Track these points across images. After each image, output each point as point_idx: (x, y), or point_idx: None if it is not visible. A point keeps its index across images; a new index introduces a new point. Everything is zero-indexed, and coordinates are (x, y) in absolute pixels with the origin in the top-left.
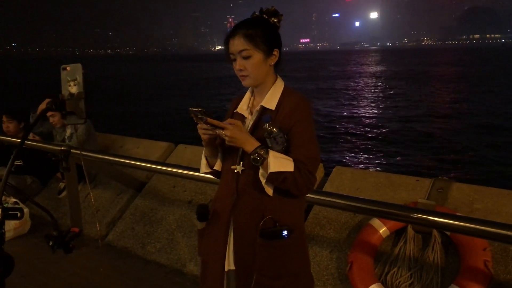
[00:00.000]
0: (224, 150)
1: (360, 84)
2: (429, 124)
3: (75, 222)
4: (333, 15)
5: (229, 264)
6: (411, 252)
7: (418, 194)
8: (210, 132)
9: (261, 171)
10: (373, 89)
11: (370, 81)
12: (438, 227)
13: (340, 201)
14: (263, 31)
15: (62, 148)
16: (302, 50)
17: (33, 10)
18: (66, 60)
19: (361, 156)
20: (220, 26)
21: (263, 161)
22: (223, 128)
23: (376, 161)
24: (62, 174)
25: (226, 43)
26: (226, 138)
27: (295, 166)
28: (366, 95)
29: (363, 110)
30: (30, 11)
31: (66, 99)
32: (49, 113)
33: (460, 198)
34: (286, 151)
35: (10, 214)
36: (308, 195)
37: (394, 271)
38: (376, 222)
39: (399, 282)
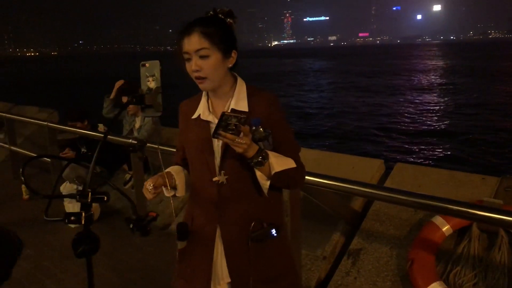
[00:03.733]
0: (192, 164)
1: (421, 80)
2: (495, 121)
3: (140, 211)
4: (394, 8)
5: (223, 277)
6: (476, 251)
7: (483, 192)
8: (228, 141)
9: (259, 173)
10: (435, 85)
11: (431, 76)
12: (506, 226)
13: (402, 196)
14: (222, 31)
15: (132, 141)
16: (360, 44)
17: (98, 10)
18: (129, 56)
19: (424, 152)
20: (277, 21)
21: (265, 163)
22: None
23: (439, 158)
24: (129, 166)
25: (180, 41)
26: (244, 147)
27: None
28: (428, 91)
29: (425, 106)
30: (95, 11)
31: (145, 93)
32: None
33: None
34: (274, 150)
35: (97, 197)
36: (369, 190)
37: (457, 270)
38: (438, 219)
39: (463, 281)
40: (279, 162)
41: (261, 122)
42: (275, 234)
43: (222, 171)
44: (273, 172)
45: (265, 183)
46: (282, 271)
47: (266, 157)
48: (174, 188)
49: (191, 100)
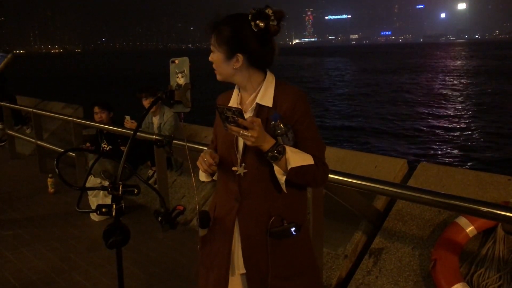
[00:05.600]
0: (220, 156)
1: (445, 79)
2: None
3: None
4: (417, 6)
5: (238, 268)
6: (501, 253)
7: (510, 194)
8: (235, 133)
9: (276, 168)
10: (460, 84)
11: (456, 76)
12: None
13: (425, 196)
14: (231, 32)
15: (157, 137)
16: (382, 43)
17: (121, 8)
18: (151, 54)
19: (449, 152)
20: (298, 19)
21: (281, 158)
22: (247, 129)
23: (464, 158)
24: (152, 162)
25: None
26: (252, 139)
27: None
28: (454, 91)
29: (450, 106)
30: (118, 8)
31: (174, 90)
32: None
33: None
34: (295, 147)
35: (128, 190)
36: (392, 188)
37: (481, 272)
38: (462, 220)
39: (487, 283)
40: (296, 158)
41: (283, 117)
42: (294, 233)
43: (243, 164)
44: (289, 167)
45: (281, 178)
46: (301, 269)
47: (282, 152)
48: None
49: (227, 93)
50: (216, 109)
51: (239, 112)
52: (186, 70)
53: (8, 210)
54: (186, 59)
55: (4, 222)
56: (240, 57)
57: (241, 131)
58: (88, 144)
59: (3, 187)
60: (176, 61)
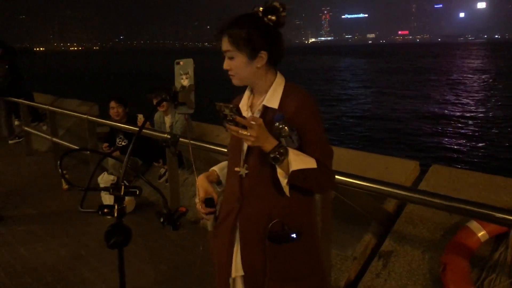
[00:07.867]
0: (228, 156)
1: (462, 80)
2: None
3: (174, 204)
4: (436, 6)
5: (237, 270)
6: None
7: None
8: (234, 133)
9: (279, 170)
10: (476, 86)
11: (473, 77)
12: None
13: (437, 200)
14: (248, 33)
15: (167, 136)
16: (399, 43)
17: (139, 6)
18: (167, 52)
19: (461, 155)
20: (314, 18)
21: (283, 160)
22: (246, 128)
23: (477, 162)
24: (163, 161)
25: (219, 41)
26: (251, 139)
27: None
28: (468, 92)
29: (465, 107)
30: (136, 7)
31: (178, 91)
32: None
33: None
34: (299, 150)
35: (130, 191)
36: (402, 192)
37: (492, 278)
38: (474, 224)
39: None
40: (297, 160)
41: (288, 120)
42: (294, 239)
43: (245, 165)
44: (290, 170)
45: (283, 181)
46: (302, 274)
47: (284, 154)
48: (220, 183)
49: (241, 96)
50: (215, 107)
51: (236, 110)
52: (191, 72)
53: (22, 205)
54: (190, 60)
55: (18, 217)
56: (264, 54)
57: (239, 131)
58: (106, 145)
59: (18, 183)
60: (181, 63)
